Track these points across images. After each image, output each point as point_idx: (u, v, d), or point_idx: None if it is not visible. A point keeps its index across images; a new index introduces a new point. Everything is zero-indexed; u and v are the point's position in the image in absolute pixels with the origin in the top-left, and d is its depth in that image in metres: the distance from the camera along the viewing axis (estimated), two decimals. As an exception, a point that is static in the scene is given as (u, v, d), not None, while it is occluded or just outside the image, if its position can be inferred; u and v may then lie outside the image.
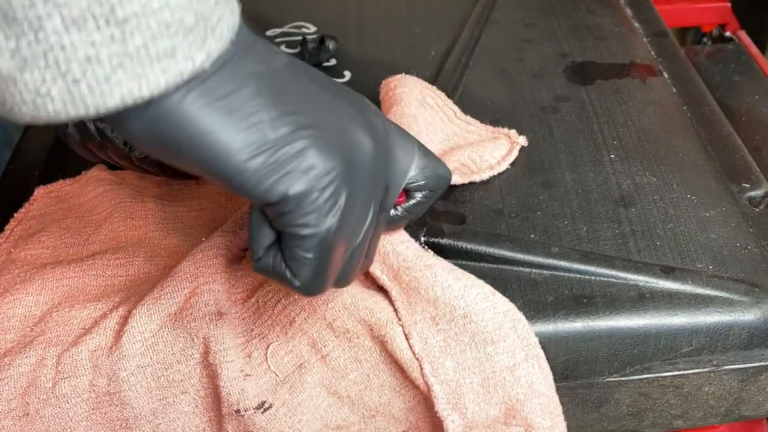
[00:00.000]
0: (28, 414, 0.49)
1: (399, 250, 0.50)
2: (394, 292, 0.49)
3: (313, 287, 0.42)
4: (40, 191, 0.62)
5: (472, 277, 0.49)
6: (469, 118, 0.66)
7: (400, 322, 0.48)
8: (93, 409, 0.49)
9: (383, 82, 0.68)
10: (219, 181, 0.38)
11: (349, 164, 0.40)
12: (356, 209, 0.41)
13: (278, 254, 0.41)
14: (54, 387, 0.49)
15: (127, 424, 0.50)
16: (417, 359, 0.47)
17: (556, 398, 0.49)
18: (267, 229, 0.41)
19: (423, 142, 0.60)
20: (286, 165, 0.37)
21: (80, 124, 0.56)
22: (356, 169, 0.41)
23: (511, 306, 0.48)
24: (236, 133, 0.36)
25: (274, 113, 0.37)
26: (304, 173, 0.38)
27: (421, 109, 0.65)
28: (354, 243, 0.43)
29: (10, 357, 0.49)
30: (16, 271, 0.56)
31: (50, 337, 0.50)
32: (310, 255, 0.40)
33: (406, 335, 0.47)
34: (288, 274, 0.41)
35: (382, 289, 0.50)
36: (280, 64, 0.40)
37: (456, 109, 0.67)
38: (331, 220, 0.39)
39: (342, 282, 0.45)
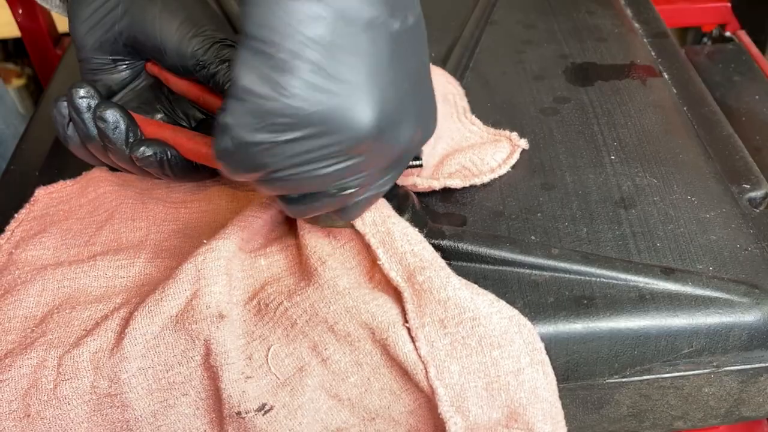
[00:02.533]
0: (29, 415, 0.49)
1: (416, 251, 0.50)
2: (407, 294, 0.49)
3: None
4: (40, 192, 0.62)
5: (477, 287, 0.50)
6: (473, 117, 0.66)
7: (407, 325, 0.48)
8: (94, 410, 0.49)
9: None
10: None
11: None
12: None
13: None
14: (55, 388, 0.49)
15: (128, 426, 0.50)
16: (422, 362, 0.47)
17: (558, 404, 0.49)
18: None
19: (432, 143, 0.60)
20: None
21: (82, 126, 0.56)
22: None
23: (516, 312, 0.49)
24: None
25: None
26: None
27: (442, 105, 0.64)
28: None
29: (11, 358, 0.50)
30: (17, 272, 0.56)
31: (51, 339, 0.50)
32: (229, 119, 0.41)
33: (412, 338, 0.48)
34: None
35: (392, 290, 0.50)
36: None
37: (467, 106, 0.67)
38: (262, 136, 0.40)
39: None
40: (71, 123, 0.56)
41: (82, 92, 0.55)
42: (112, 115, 0.55)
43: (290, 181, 0.43)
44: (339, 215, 0.49)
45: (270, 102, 0.39)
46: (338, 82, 0.39)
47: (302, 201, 0.46)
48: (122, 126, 0.55)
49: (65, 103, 0.56)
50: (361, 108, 0.40)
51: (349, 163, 0.43)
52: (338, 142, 0.41)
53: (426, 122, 0.46)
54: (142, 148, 0.55)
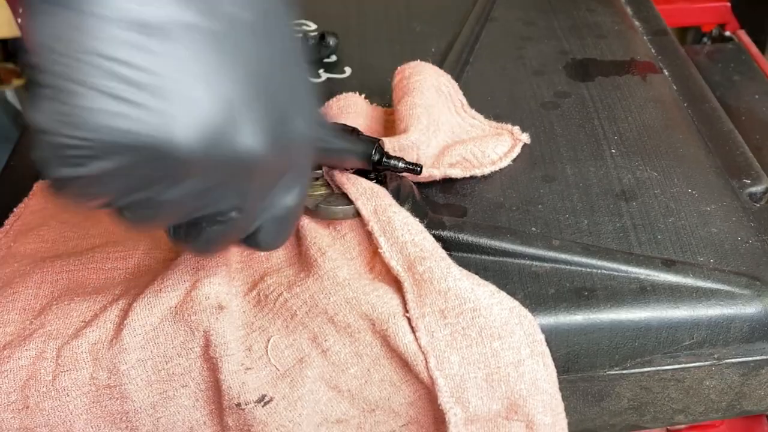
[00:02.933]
0: (28, 407, 0.48)
1: (417, 240, 0.50)
2: (407, 284, 0.49)
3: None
4: (39, 186, 0.62)
5: (478, 277, 0.50)
6: (473, 111, 0.66)
7: (407, 315, 0.48)
8: (93, 402, 0.49)
9: (398, 68, 0.68)
10: None
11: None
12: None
13: None
14: (54, 380, 0.48)
15: (127, 417, 0.49)
16: (422, 352, 0.47)
17: (558, 395, 0.49)
18: None
19: (428, 135, 0.59)
20: None
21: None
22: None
23: (516, 303, 0.48)
24: None
25: None
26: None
27: (436, 96, 0.65)
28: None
29: (10, 350, 0.49)
30: (15, 264, 0.55)
31: (50, 330, 0.50)
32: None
33: (412, 328, 0.47)
34: None
35: (393, 280, 0.50)
36: None
37: (464, 100, 0.67)
38: (67, 170, 0.34)
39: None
40: None
41: None
42: None
43: (138, 211, 0.38)
44: (256, 243, 0.44)
45: (61, 137, 0.33)
46: (140, 104, 0.33)
47: (190, 236, 0.42)
48: None
49: None
50: (175, 128, 0.34)
51: (188, 186, 0.37)
52: (159, 167, 0.35)
53: (293, 117, 0.40)
54: None
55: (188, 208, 0.39)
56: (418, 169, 0.54)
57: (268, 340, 0.49)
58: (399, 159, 0.53)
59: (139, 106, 0.33)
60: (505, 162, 0.61)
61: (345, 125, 0.55)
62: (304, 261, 0.52)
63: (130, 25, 0.33)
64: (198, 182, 0.37)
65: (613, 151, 0.63)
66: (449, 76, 0.68)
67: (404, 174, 0.56)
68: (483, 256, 0.54)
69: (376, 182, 0.54)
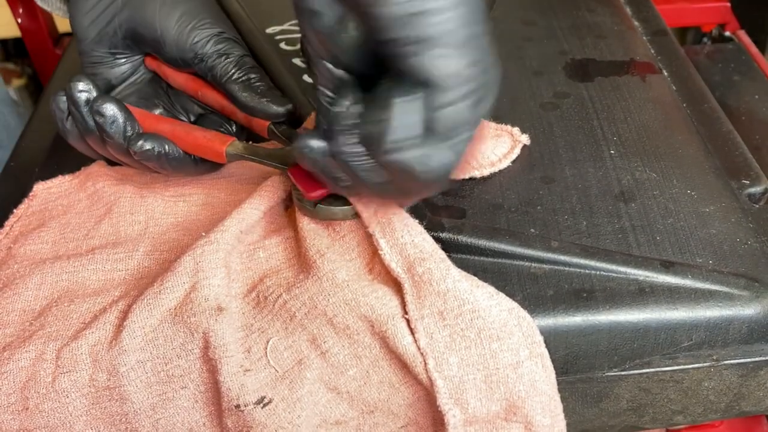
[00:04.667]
0: (27, 408, 0.48)
1: (417, 242, 0.50)
2: (406, 285, 0.49)
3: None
4: (39, 187, 0.62)
5: (477, 279, 0.50)
6: None
7: (407, 316, 0.48)
8: (93, 403, 0.49)
9: None
10: None
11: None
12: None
13: None
14: (54, 381, 0.49)
15: (126, 419, 0.50)
16: (421, 354, 0.47)
17: (557, 397, 0.49)
18: None
19: None
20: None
21: (80, 120, 0.56)
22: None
23: (515, 304, 0.49)
24: None
25: None
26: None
27: None
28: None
29: (10, 351, 0.49)
30: (15, 266, 0.56)
31: (50, 332, 0.50)
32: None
33: (411, 329, 0.47)
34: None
35: (392, 282, 0.50)
36: None
37: None
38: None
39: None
40: (70, 117, 0.56)
41: (80, 86, 0.55)
42: (109, 109, 0.55)
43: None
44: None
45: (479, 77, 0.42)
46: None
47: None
48: (120, 120, 0.55)
49: (64, 98, 0.56)
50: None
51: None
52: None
53: None
54: (140, 142, 0.55)
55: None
56: None
57: (268, 342, 0.49)
58: None
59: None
60: (505, 163, 0.61)
61: None
62: (303, 262, 0.52)
63: None
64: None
65: (612, 152, 0.63)
66: None
67: None
68: (482, 258, 0.54)
69: None
